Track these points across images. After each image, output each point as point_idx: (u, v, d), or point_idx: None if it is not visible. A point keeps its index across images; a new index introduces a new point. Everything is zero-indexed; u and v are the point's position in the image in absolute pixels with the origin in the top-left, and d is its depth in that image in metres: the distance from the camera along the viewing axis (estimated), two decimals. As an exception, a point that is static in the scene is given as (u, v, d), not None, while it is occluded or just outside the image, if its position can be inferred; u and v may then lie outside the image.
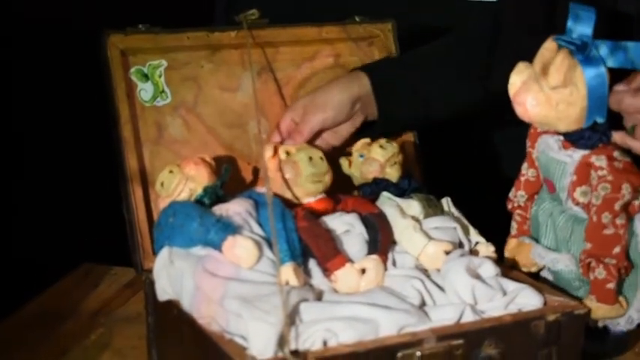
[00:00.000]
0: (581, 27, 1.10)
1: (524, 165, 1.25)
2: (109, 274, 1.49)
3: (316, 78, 1.38)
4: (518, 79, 1.13)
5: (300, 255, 1.12)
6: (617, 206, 1.12)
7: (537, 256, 1.23)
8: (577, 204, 1.17)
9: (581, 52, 1.09)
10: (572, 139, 1.15)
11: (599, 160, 1.13)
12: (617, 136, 1.14)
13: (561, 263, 1.20)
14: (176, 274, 1.10)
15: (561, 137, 1.17)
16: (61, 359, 1.23)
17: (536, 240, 1.25)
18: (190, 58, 1.30)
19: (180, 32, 1.29)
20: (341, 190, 1.26)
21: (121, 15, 1.30)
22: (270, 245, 1.11)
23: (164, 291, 1.12)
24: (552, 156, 1.18)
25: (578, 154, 1.15)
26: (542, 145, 1.20)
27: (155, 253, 1.15)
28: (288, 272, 1.08)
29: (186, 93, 1.30)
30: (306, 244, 1.13)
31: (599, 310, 1.16)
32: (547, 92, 1.10)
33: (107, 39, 1.24)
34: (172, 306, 1.10)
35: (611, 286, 1.15)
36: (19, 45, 2.05)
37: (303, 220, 1.15)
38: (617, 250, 1.13)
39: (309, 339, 1.00)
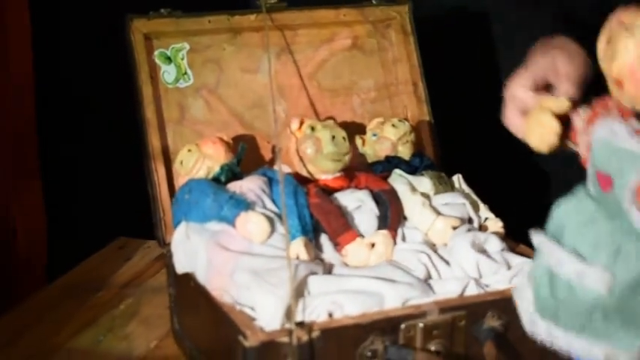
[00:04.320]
0: None
1: None
2: (143, 248, 1.50)
3: (334, 59, 1.36)
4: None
5: (312, 230, 1.11)
6: None
7: (556, 262, 0.89)
8: None
9: None
10: None
11: None
12: None
13: (590, 278, 0.86)
14: (191, 248, 1.10)
15: (633, 122, 0.87)
16: (91, 326, 1.25)
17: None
18: (212, 41, 1.29)
19: (202, 16, 1.28)
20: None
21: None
22: (281, 220, 1.10)
23: (181, 264, 1.12)
24: (620, 146, 0.87)
25: None
26: (603, 131, 0.91)
27: (175, 228, 1.15)
28: (298, 247, 1.08)
29: (208, 75, 1.29)
30: (318, 219, 1.13)
31: None
32: None
33: (131, 23, 1.23)
34: (189, 278, 1.10)
35: None
36: (51, 27, 2.06)
37: (315, 197, 1.14)
38: None
39: (314, 311, 1.00)
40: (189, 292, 1.12)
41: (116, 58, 1.30)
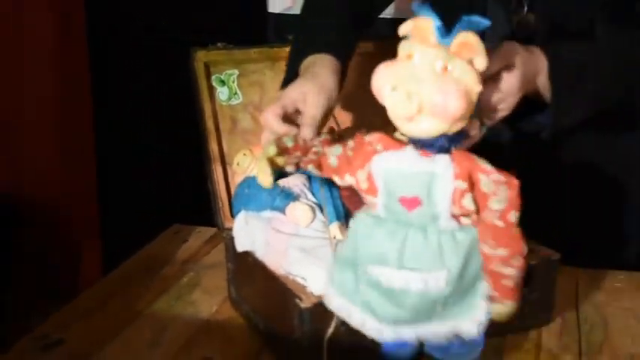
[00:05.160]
0: None
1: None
2: (195, 232, 1.52)
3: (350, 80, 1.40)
4: None
5: (344, 216, 1.16)
6: (517, 203, 0.85)
7: (387, 278, 0.87)
8: (459, 215, 0.86)
9: None
10: (430, 145, 0.83)
11: (486, 164, 0.84)
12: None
13: (432, 283, 0.86)
14: (251, 232, 1.14)
15: (410, 148, 0.85)
16: (163, 295, 1.28)
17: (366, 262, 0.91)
18: (256, 67, 1.33)
19: (249, 48, 1.32)
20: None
21: (204, 34, 1.35)
22: (320, 209, 1.15)
23: (242, 245, 1.16)
24: (412, 170, 0.84)
25: (445, 161, 0.83)
26: (383, 162, 0.86)
27: (233, 216, 1.19)
28: (334, 229, 1.12)
29: (254, 95, 1.33)
30: (348, 208, 1.17)
31: (509, 308, 0.91)
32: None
33: (194, 54, 1.29)
34: (248, 255, 1.14)
35: (519, 282, 0.90)
36: (131, 53, 2.06)
37: (345, 190, 1.18)
38: (523, 244, 0.88)
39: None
40: (246, 267, 1.16)
41: (181, 80, 1.34)
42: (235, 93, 1.32)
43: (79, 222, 2.06)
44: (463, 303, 0.89)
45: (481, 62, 0.81)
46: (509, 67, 0.99)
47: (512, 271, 0.88)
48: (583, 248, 1.34)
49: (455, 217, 0.85)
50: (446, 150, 0.84)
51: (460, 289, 0.88)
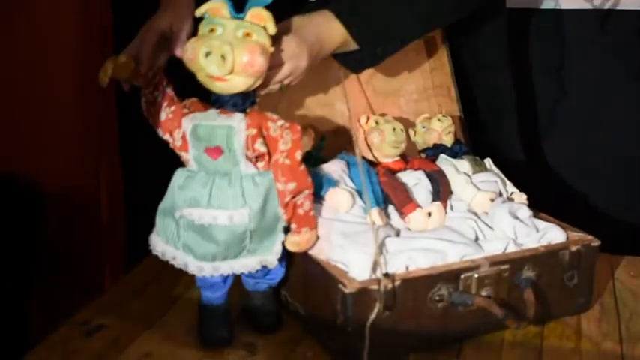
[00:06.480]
0: None
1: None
2: None
3: (384, 68, 1.38)
4: None
5: (382, 202, 1.16)
6: (300, 144, 1.03)
7: (198, 216, 1.03)
8: (254, 159, 1.03)
9: None
10: (229, 103, 1.02)
11: (273, 115, 1.03)
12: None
13: (237, 219, 1.02)
14: (290, 217, 1.14)
15: (212, 109, 1.04)
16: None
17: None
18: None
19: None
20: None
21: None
22: (359, 195, 1.15)
23: (281, 230, 1.16)
24: (215, 124, 1.02)
25: (239, 117, 1.02)
26: (191, 120, 1.03)
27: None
28: (374, 215, 1.12)
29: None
30: (387, 194, 1.17)
31: (308, 236, 1.07)
32: None
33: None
34: (287, 241, 1.14)
35: (313, 212, 1.07)
36: None
37: (384, 176, 1.19)
38: (309, 179, 1.05)
39: (395, 265, 1.05)
40: (284, 252, 1.13)
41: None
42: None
43: (106, 213, 2.05)
44: (267, 239, 1.05)
45: (271, 28, 1.00)
46: (286, 33, 1.09)
47: (303, 201, 1.05)
48: (619, 235, 1.33)
49: (251, 160, 1.03)
50: (242, 109, 1.03)
51: (263, 227, 1.04)
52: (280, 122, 1.03)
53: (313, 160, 1.19)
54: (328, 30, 1.13)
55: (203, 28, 1.00)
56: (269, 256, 1.06)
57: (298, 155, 1.03)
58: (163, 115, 1.07)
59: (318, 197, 1.13)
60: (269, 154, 1.03)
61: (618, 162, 1.43)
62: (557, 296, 1.14)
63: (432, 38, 1.43)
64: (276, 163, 1.03)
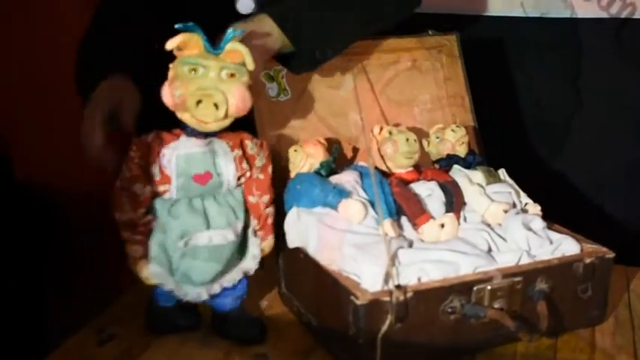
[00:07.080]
0: None
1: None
2: None
3: (398, 78, 1.40)
4: None
5: (395, 213, 1.16)
6: (270, 159, 1.12)
7: (198, 241, 1.06)
8: (240, 176, 1.08)
9: None
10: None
11: (245, 133, 1.09)
12: None
13: (231, 234, 1.07)
14: (303, 228, 1.14)
15: (183, 136, 1.06)
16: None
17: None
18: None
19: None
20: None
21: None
22: (372, 206, 1.14)
23: (293, 241, 1.15)
24: (200, 150, 1.05)
25: (218, 140, 1.06)
26: (171, 152, 1.05)
27: (285, 212, 1.18)
28: (387, 226, 1.12)
29: (302, 91, 1.32)
30: (400, 204, 1.17)
31: (273, 242, 1.14)
32: None
33: (244, 50, 1.28)
34: (299, 251, 1.14)
35: (271, 220, 1.13)
36: None
37: (397, 187, 1.18)
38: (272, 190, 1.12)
39: (407, 276, 1.04)
40: (297, 263, 1.15)
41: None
42: (284, 89, 1.30)
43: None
44: (244, 247, 1.11)
45: (250, 64, 1.02)
46: None
47: (272, 212, 1.12)
48: (636, 246, 1.32)
49: (238, 179, 1.08)
50: (213, 134, 1.05)
51: (244, 238, 1.10)
52: (255, 140, 1.10)
53: (325, 169, 1.19)
54: (267, 35, 1.15)
55: (181, 67, 1.00)
56: (250, 262, 1.11)
57: (270, 169, 1.11)
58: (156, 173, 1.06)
59: (329, 207, 1.13)
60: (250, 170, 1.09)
61: (633, 172, 1.42)
62: (570, 309, 1.12)
63: (446, 48, 1.43)
64: (251, 178, 1.10)
